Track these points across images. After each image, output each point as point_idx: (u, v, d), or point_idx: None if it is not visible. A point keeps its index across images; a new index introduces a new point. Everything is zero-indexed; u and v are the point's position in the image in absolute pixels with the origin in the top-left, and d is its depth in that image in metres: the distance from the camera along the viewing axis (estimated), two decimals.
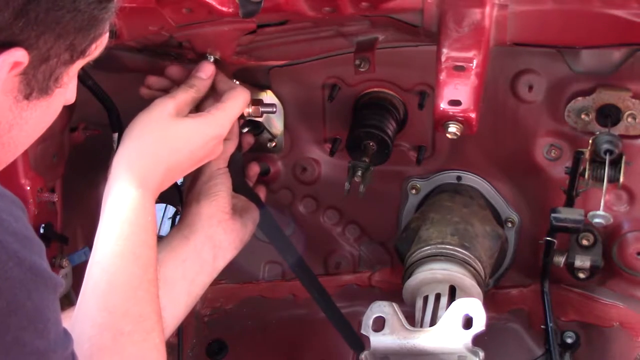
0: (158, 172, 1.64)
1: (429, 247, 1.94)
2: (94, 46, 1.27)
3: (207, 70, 1.77)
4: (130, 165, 1.62)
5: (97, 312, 1.46)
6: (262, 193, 2.01)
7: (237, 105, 1.76)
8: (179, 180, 1.95)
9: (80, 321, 1.46)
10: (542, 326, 2.09)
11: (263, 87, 2.03)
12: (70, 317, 1.46)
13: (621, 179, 1.90)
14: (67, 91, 1.31)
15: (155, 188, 1.64)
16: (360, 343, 1.99)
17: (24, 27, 1.16)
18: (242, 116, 1.88)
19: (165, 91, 1.78)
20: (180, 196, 1.93)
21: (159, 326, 1.50)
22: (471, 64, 1.73)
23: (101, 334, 1.43)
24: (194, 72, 1.77)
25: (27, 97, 1.23)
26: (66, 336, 1.21)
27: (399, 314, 1.80)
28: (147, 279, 1.52)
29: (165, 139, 1.66)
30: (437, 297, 1.87)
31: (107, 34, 1.29)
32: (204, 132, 1.71)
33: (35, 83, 1.23)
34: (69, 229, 1.98)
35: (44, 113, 1.28)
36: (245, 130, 1.98)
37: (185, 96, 1.72)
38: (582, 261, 2.04)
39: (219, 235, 1.81)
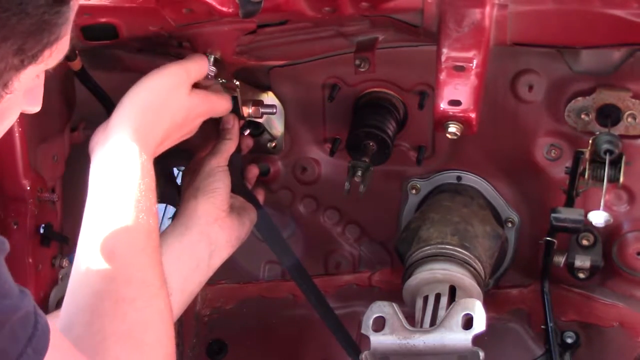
0: (158, 133, 1.63)
1: (429, 247, 1.94)
2: (48, 52, 1.18)
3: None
4: (133, 122, 1.60)
5: (98, 279, 1.45)
6: (260, 195, 2.00)
7: (224, 104, 1.79)
8: (179, 180, 1.95)
9: (79, 292, 1.45)
10: (542, 326, 2.09)
11: (263, 88, 2.03)
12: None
13: (621, 179, 1.90)
14: (21, 98, 1.21)
15: (153, 151, 1.62)
16: (356, 347, 1.99)
17: None
18: (242, 117, 1.88)
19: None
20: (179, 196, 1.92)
21: (163, 291, 1.49)
22: (471, 64, 1.73)
23: (102, 302, 1.42)
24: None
25: None
26: (22, 293, 1.19)
27: (399, 314, 1.80)
28: (150, 245, 1.51)
29: (170, 102, 1.66)
30: (437, 297, 1.87)
31: (67, 40, 1.20)
32: (199, 107, 1.72)
33: None
34: (69, 229, 1.97)
35: None
36: (247, 132, 1.98)
37: (197, 74, 1.73)
38: (582, 261, 2.04)
39: (215, 232, 1.80)
